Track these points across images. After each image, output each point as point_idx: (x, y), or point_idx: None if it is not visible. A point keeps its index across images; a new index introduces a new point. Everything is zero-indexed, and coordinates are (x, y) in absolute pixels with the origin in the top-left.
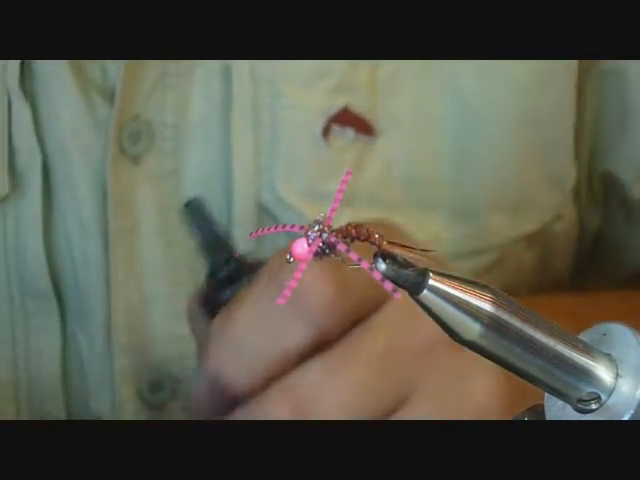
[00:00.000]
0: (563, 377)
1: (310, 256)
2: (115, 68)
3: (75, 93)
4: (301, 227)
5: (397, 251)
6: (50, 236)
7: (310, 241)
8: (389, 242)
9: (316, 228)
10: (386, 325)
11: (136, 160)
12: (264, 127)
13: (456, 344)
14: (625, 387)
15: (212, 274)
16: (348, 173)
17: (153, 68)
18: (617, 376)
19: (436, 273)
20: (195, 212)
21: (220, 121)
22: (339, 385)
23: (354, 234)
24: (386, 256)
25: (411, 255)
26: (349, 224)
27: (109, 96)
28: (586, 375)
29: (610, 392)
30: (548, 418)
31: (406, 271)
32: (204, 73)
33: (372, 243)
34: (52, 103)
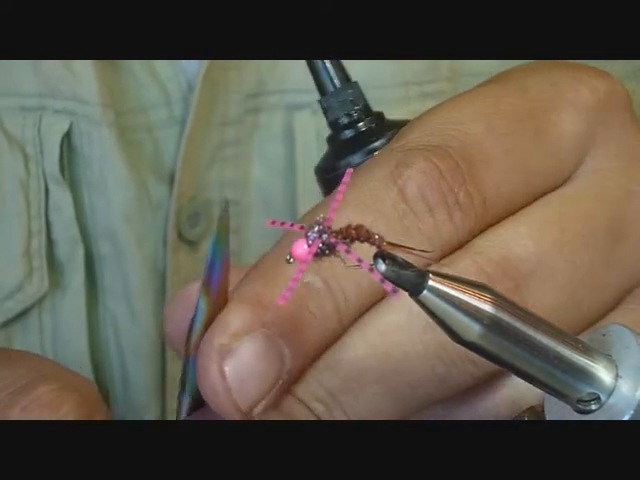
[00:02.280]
0: (563, 377)
1: (310, 257)
2: (172, 146)
3: (127, 176)
4: (301, 227)
5: (397, 252)
6: (93, 330)
7: (310, 242)
8: (389, 243)
9: (316, 229)
10: None
11: (194, 244)
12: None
13: None
14: (625, 387)
15: (336, 131)
16: (348, 172)
17: (211, 139)
18: (617, 376)
19: (436, 274)
20: None
21: (284, 189)
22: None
23: (354, 235)
24: (386, 257)
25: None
26: (349, 225)
27: (164, 176)
28: (586, 376)
29: (610, 392)
30: (548, 418)
31: (406, 272)
32: (263, 137)
33: (372, 244)
34: (99, 188)
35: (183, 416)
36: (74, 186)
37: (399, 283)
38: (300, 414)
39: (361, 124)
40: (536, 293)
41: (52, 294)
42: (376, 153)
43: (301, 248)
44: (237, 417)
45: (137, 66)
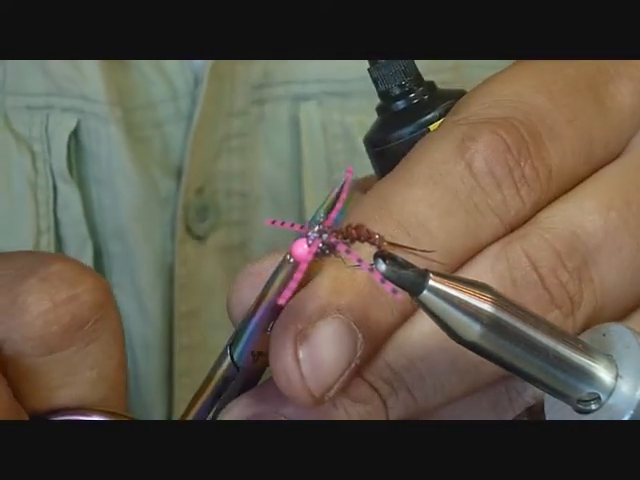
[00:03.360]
0: (563, 377)
1: (310, 256)
2: (179, 141)
3: (135, 173)
4: (301, 227)
5: (397, 252)
6: None
7: (310, 241)
8: (389, 243)
9: (316, 229)
10: None
11: (202, 238)
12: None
13: None
14: (625, 387)
15: (387, 102)
16: (349, 171)
17: (218, 131)
18: (617, 376)
19: (436, 274)
20: None
21: (290, 180)
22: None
23: (354, 235)
24: (386, 257)
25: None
26: (349, 225)
27: (172, 170)
28: (586, 375)
29: (610, 392)
30: (548, 418)
31: (406, 272)
32: (270, 128)
33: (372, 244)
34: (107, 185)
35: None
36: (82, 184)
37: (399, 283)
38: (366, 396)
39: (412, 95)
40: (602, 268)
41: None
42: (432, 126)
43: (301, 248)
44: (309, 403)
45: (144, 63)
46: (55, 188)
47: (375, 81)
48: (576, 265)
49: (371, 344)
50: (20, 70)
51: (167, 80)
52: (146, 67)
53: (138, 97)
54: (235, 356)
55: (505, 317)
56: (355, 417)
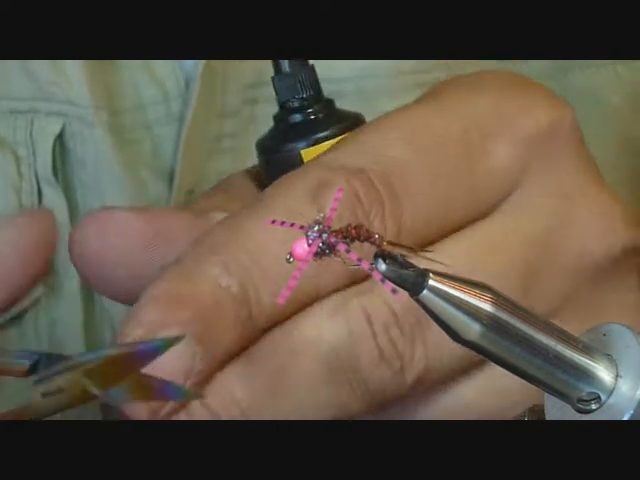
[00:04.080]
0: (563, 377)
1: (310, 256)
2: (170, 143)
3: (124, 176)
4: (301, 227)
5: (397, 251)
6: (90, 332)
7: (310, 241)
8: (389, 242)
9: (316, 228)
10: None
11: None
12: None
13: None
14: (625, 387)
15: (285, 113)
16: (339, 190)
17: (210, 131)
18: (617, 376)
19: (436, 273)
20: None
21: None
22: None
23: (354, 234)
24: (386, 256)
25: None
26: (349, 224)
27: (163, 173)
28: (586, 375)
29: (610, 392)
30: (548, 418)
31: (406, 271)
32: (261, 129)
33: (372, 243)
34: (93, 189)
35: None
36: (67, 188)
37: (399, 283)
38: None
39: (310, 110)
40: (435, 333)
41: (47, 297)
42: (303, 151)
43: (301, 248)
44: (145, 417)
45: (134, 64)
46: (40, 192)
47: (276, 91)
48: (410, 326)
49: (212, 362)
50: (4, 74)
51: (157, 82)
52: (136, 69)
53: (127, 99)
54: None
55: (505, 317)
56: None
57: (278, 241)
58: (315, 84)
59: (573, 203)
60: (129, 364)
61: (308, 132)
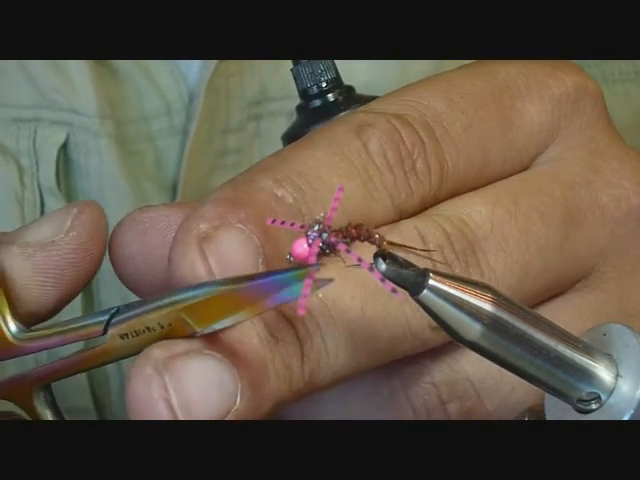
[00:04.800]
0: (563, 377)
1: (310, 256)
2: (173, 156)
3: (127, 187)
4: (301, 227)
5: (397, 251)
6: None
7: (310, 241)
8: (389, 242)
9: (316, 228)
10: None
11: None
12: None
13: None
14: (625, 387)
15: (306, 101)
16: (340, 189)
17: (214, 147)
18: (617, 376)
19: (436, 273)
20: None
21: None
22: (514, 240)
23: (354, 234)
24: (386, 256)
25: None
26: (349, 224)
27: (166, 185)
28: (586, 375)
29: (610, 392)
30: (548, 418)
31: (406, 271)
32: (265, 144)
33: (372, 243)
34: (96, 199)
35: None
36: (70, 198)
37: (399, 282)
38: (284, 333)
39: (330, 95)
40: (490, 257)
41: None
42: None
43: (301, 247)
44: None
45: (137, 76)
46: (42, 203)
47: (296, 80)
48: (463, 248)
49: (274, 262)
50: (6, 81)
51: (160, 94)
52: (139, 80)
53: (131, 111)
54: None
55: (505, 316)
56: (268, 354)
57: (327, 167)
58: (332, 70)
59: (604, 156)
60: (241, 299)
61: (329, 114)
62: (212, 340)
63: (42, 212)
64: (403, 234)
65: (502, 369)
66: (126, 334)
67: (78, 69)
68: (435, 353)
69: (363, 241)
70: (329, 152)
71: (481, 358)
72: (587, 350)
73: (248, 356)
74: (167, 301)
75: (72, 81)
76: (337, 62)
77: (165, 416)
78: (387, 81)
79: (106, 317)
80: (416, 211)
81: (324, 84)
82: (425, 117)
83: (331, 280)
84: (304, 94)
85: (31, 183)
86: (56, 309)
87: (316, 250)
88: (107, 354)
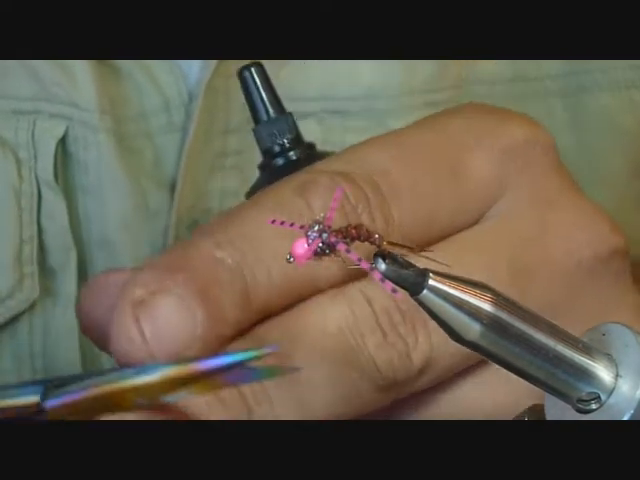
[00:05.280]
0: (563, 377)
1: (310, 256)
2: (172, 153)
3: (126, 182)
4: (301, 227)
5: (397, 251)
6: (85, 338)
7: (310, 241)
8: (389, 242)
9: (316, 228)
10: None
11: None
12: None
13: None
14: (625, 387)
15: (268, 159)
16: (339, 190)
17: (213, 148)
18: (617, 376)
19: (436, 273)
20: (252, 80)
21: None
22: None
23: (354, 234)
24: (386, 256)
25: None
26: (349, 224)
27: (164, 183)
28: (586, 375)
29: (610, 392)
30: (548, 418)
31: (406, 271)
32: None
33: (372, 243)
34: (95, 194)
35: None
36: (68, 192)
37: (399, 282)
38: (231, 400)
39: (292, 153)
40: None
41: (43, 301)
42: None
43: (301, 247)
44: (148, 361)
45: (137, 72)
46: (40, 196)
47: (257, 139)
48: (412, 308)
49: (214, 324)
50: (6, 72)
51: (159, 91)
52: (138, 77)
53: (130, 107)
54: (47, 401)
55: (505, 316)
56: (214, 417)
57: (270, 229)
58: (294, 129)
59: (556, 208)
60: (194, 378)
61: (291, 172)
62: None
63: (39, 205)
64: (349, 297)
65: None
66: (67, 415)
67: (80, 65)
68: None
69: (363, 241)
70: (272, 212)
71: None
72: (587, 350)
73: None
74: (112, 383)
75: (74, 76)
76: (340, 66)
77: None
78: (391, 86)
79: (37, 396)
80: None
81: (286, 142)
82: (370, 173)
83: (298, 369)
84: (266, 153)
85: (29, 176)
86: None
87: (315, 250)
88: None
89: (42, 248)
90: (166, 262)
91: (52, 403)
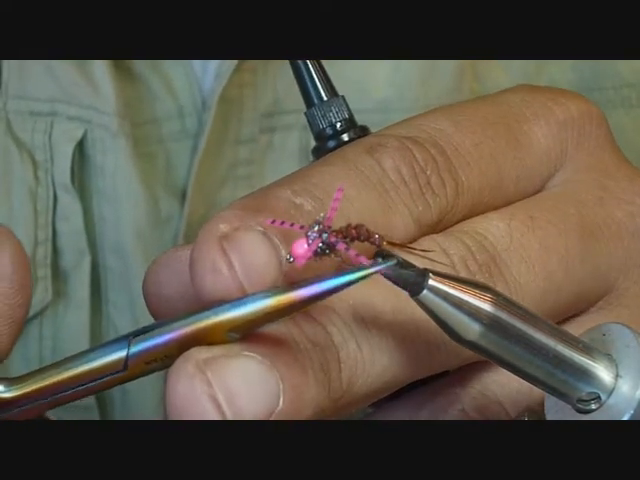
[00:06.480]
0: (563, 377)
1: (310, 256)
2: (184, 160)
3: (140, 189)
4: (301, 227)
5: (397, 251)
6: (95, 341)
7: (310, 241)
8: (389, 242)
9: (316, 228)
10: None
11: None
12: None
13: None
14: (625, 387)
15: (321, 142)
16: (339, 190)
17: (225, 158)
18: (617, 376)
19: (436, 273)
20: (304, 63)
21: None
22: (535, 251)
23: (354, 234)
24: (386, 256)
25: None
26: (349, 224)
27: (175, 190)
28: (586, 375)
29: (610, 392)
30: (548, 418)
31: (406, 271)
32: (278, 157)
33: (372, 243)
34: (110, 199)
35: None
36: (83, 195)
37: (399, 282)
38: (320, 337)
39: (344, 135)
40: (512, 268)
41: (55, 303)
42: None
43: (301, 247)
44: (237, 294)
45: (151, 77)
46: (56, 198)
47: (310, 124)
48: (485, 260)
49: (297, 263)
50: (24, 72)
51: (173, 96)
52: (153, 82)
53: (144, 112)
54: (130, 354)
55: (505, 317)
56: (306, 358)
57: (343, 179)
58: (346, 111)
59: (614, 176)
60: (293, 306)
61: None
62: (250, 342)
63: (54, 208)
64: (422, 246)
65: (532, 387)
66: (150, 360)
67: (100, 67)
68: (465, 380)
69: (363, 241)
70: (344, 168)
71: (511, 379)
72: (587, 350)
73: (287, 359)
74: (203, 320)
75: (93, 78)
76: (353, 78)
77: (212, 414)
78: (406, 98)
79: (123, 352)
80: (435, 227)
81: (338, 125)
82: (434, 137)
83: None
84: (319, 136)
85: (45, 178)
86: (9, 352)
87: (315, 249)
88: (129, 377)
89: (55, 251)
90: (248, 204)
91: (136, 349)
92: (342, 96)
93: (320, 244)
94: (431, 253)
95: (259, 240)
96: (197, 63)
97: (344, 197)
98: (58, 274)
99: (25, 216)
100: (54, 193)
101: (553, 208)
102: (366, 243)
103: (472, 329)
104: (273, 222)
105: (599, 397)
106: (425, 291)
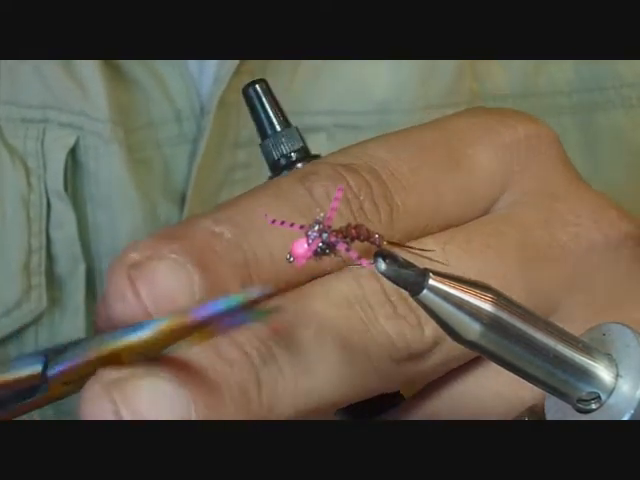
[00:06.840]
0: (563, 377)
1: (310, 256)
2: (182, 165)
3: (135, 195)
4: (301, 227)
5: (397, 251)
6: None
7: (310, 241)
8: (389, 242)
9: (316, 228)
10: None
11: None
12: None
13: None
14: (625, 387)
15: (275, 173)
16: (340, 190)
17: (223, 162)
18: (617, 376)
19: (436, 273)
20: (256, 96)
21: None
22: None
23: (354, 234)
24: (386, 256)
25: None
26: (349, 224)
27: (174, 195)
28: (586, 375)
29: (610, 392)
30: (548, 418)
31: (406, 271)
32: None
33: (372, 243)
34: (104, 205)
35: None
36: (77, 202)
37: (399, 282)
38: (238, 358)
39: (299, 164)
40: None
41: (50, 311)
42: None
43: (301, 247)
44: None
45: (146, 80)
46: (49, 205)
47: (265, 155)
48: None
49: (212, 292)
50: (16, 77)
51: (170, 100)
52: (148, 85)
53: (139, 116)
54: (48, 370)
55: (505, 316)
56: (223, 379)
57: (269, 207)
58: (300, 141)
59: (562, 198)
60: (188, 329)
61: None
62: (161, 363)
63: (48, 215)
64: (354, 274)
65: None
66: (67, 382)
67: (90, 73)
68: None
69: (363, 241)
70: (273, 196)
71: None
72: (587, 350)
73: (198, 378)
74: (109, 344)
75: (84, 84)
76: (352, 80)
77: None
78: (405, 99)
79: (39, 366)
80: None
81: (292, 155)
82: (370, 163)
83: (282, 308)
84: (274, 167)
85: (38, 185)
86: None
87: (315, 249)
88: (50, 399)
89: (50, 258)
90: (164, 232)
91: (53, 371)
92: (295, 127)
93: (320, 244)
94: (431, 253)
95: (169, 267)
96: (193, 64)
97: (271, 227)
98: (53, 281)
99: (18, 223)
100: (47, 200)
101: (494, 231)
102: (366, 243)
103: (472, 329)
104: (273, 222)
105: (599, 397)
106: (425, 291)
